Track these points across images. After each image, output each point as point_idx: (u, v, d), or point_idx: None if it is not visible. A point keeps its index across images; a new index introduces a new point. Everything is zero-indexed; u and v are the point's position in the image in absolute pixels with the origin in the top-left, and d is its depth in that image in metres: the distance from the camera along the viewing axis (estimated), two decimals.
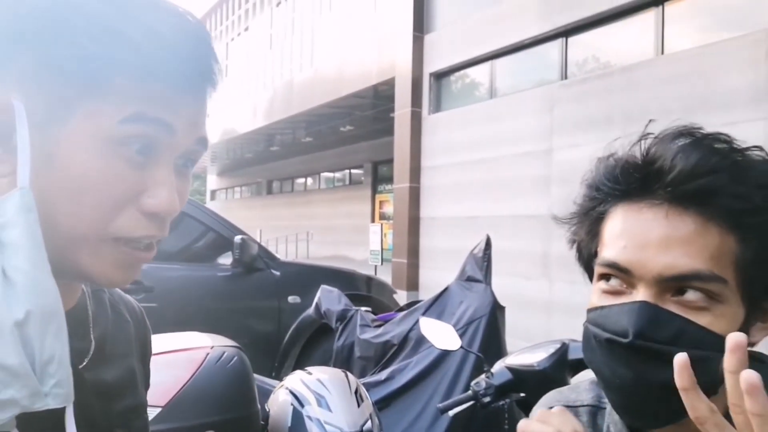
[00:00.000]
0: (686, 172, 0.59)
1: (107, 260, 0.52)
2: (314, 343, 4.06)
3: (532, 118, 7.07)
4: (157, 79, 0.51)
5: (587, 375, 1.65)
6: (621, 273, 0.62)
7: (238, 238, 3.80)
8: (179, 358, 1.19)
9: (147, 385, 0.76)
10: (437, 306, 2.49)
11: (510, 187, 7.26)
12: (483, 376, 1.72)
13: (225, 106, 24.41)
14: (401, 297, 5.11)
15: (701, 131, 0.64)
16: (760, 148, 0.63)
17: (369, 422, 1.39)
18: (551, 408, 0.76)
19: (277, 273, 4.05)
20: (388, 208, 17.29)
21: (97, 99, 0.49)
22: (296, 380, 1.45)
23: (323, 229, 20.06)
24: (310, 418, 1.34)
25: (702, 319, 0.58)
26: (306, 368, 1.51)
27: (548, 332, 6.30)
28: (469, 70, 8.60)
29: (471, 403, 1.68)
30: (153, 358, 1.16)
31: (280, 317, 3.99)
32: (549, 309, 6.53)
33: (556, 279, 6.56)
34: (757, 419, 0.45)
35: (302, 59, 17.44)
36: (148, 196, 0.52)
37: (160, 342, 1.30)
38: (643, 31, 6.15)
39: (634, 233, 0.61)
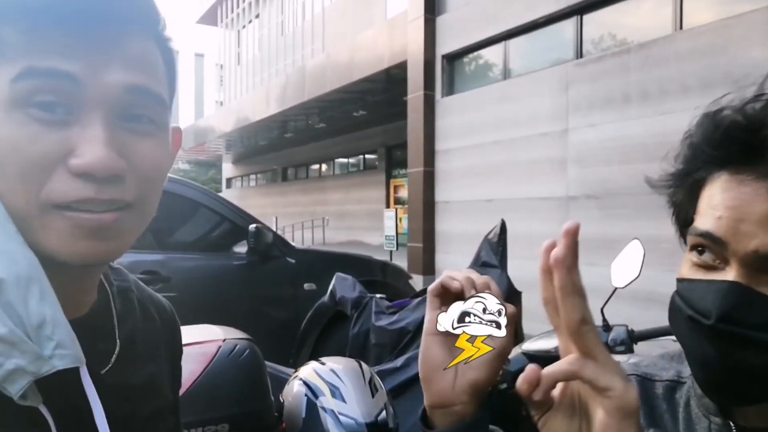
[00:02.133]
0: None
1: (58, 231, 0.50)
2: (331, 330, 4.06)
3: (547, 99, 6.96)
4: (47, 25, 0.47)
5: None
6: (714, 246, 0.58)
7: (252, 227, 3.81)
8: (192, 352, 1.18)
9: (178, 385, 0.74)
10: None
11: (526, 169, 7.18)
12: None
13: (238, 94, 24.44)
14: (417, 282, 5.09)
15: None
16: None
17: (384, 412, 1.38)
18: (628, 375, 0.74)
19: (293, 260, 4.06)
20: (403, 193, 17.25)
21: None
22: (310, 371, 1.45)
23: (338, 214, 20.10)
24: (324, 409, 1.34)
25: None
26: (320, 358, 1.51)
27: None
28: (482, 52, 8.48)
29: (489, 389, 1.66)
30: None
31: (296, 305, 4.00)
32: None
33: None
34: (558, 292, 0.48)
35: (314, 45, 17.37)
36: (75, 155, 0.49)
37: None
38: (661, 5, 5.99)
39: (733, 205, 0.57)
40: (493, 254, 2.43)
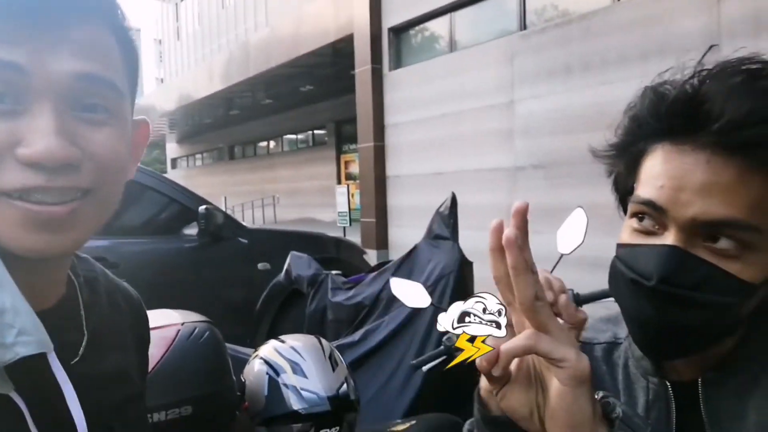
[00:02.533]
0: (736, 121, 0.56)
1: (10, 221, 0.49)
2: (287, 309, 4.07)
3: (493, 71, 7.05)
4: None
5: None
6: (655, 212, 0.61)
7: (202, 208, 3.74)
8: (152, 336, 1.18)
9: (144, 373, 0.75)
10: (406, 265, 2.52)
11: (474, 141, 7.29)
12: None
13: (179, 70, 23.58)
14: (371, 257, 5.14)
15: (761, 64, 0.59)
16: None
17: (345, 385, 1.41)
18: None
19: (245, 240, 4.02)
20: (354, 168, 17.20)
21: None
22: (270, 349, 1.46)
23: (289, 192, 19.89)
24: (286, 385, 1.36)
25: (731, 267, 0.57)
26: (279, 336, 1.52)
27: None
28: (428, 24, 8.47)
29: (444, 357, 1.72)
30: None
31: (251, 285, 3.97)
32: None
33: None
34: (511, 271, 0.51)
35: (256, 18, 16.89)
36: (22, 145, 0.48)
37: None
38: None
39: (674, 174, 0.59)
40: (445, 227, 2.49)
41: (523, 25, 6.92)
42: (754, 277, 0.58)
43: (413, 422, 1.74)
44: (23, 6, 0.48)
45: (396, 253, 8.48)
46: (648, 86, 0.65)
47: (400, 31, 8.85)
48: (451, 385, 2.24)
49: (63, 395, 0.51)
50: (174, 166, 31.30)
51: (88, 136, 0.52)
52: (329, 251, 4.51)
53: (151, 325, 1.26)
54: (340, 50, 11.59)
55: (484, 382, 0.60)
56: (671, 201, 0.59)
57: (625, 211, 0.70)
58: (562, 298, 0.63)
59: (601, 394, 0.57)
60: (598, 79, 5.82)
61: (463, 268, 2.38)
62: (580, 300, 1.90)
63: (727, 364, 0.65)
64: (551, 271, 1.88)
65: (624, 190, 0.70)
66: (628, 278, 0.62)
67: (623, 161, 0.68)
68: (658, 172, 0.61)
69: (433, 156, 7.93)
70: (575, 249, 1.49)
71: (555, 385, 0.52)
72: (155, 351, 1.16)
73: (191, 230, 3.99)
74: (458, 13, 7.91)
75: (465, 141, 7.42)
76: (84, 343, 0.59)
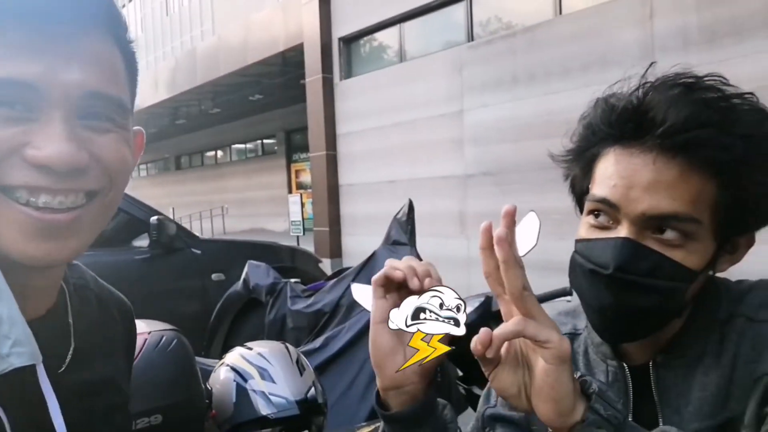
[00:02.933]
0: (676, 126, 0.64)
1: (11, 226, 0.50)
2: (242, 319, 4.02)
3: (442, 81, 7.20)
4: (5, 26, 0.49)
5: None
6: (609, 209, 0.69)
7: (154, 219, 3.67)
8: None
9: (129, 380, 0.75)
10: (366, 271, 2.55)
11: (425, 149, 7.41)
12: None
13: None
14: (325, 266, 5.15)
15: (695, 78, 0.68)
16: (752, 94, 0.68)
17: (313, 389, 1.43)
18: None
19: (198, 251, 3.96)
20: (305, 177, 17.10)
21: None
22: (236, 356, 1.46)
23: (238, 202, 19.57)
24: (254, 391, 1.37)
25: (676, 255, 0.66)
26: (245, 344, 1.53)
27: (469, 287, 6.57)
28: (378, 34, 8.58)
29: None
30: None
31: (205, 296, 3.91)
32: (468, 265, 6.82)
33: (472, 236, 6.84)
34: (502, 266, 0.57)
35: (203, 26, 16.62)
36: (32, 147, 0.50)
37: None
38: None
39: (625, 174, 0.67)
40: (403, 232, 2.55)
41: (471, 37, 7.11)
42: (696, 264, 0.67)
43: (378, 425, 1.77)
44: (36, 19, 0.49)
45: (350, 261, 8.49)
46: (599, 97, 0.74)
47: (350, 41, 8.91)
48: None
49: (47, 407, 0.52)
50: None
51: (94, 140, 0.54)
52: (284, 260, 4.49)
53: None
54: (290, 59, 11.56)
55: (380, 383, 0.66)
56: (623, 198, 0.67)
57: (581, 211, 0.77)
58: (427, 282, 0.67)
59: (578, 373, 0.62)
60: (542, 89, 6.04)
61: None
62: (538, 300, 1.98)
63: (674, 347, 0.73)
64: None
65: (580, 191, 0.77)
66: (587, 269, 0.69)
67: (579, 165, 0.76)
68: (610, 172, 0.69)
69: (385, 164, 8.01)
70: (529, 251, 1.59)
71: (540, 364, 0.58)
72: None
73: (141, 242, 3.90)
74: (407, 24, 8.05)
75: (417, 149, 7.53)
76: (71, 352, 0.59)
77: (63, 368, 0.58)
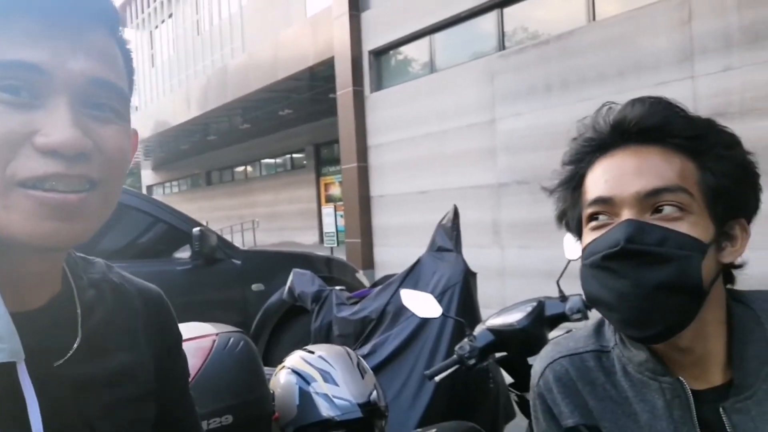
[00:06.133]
0: (644, 112, 0.72)
1: (23, 210, 0.50)
2: (282, 328, 4.06)
3: (473, 90, 7.19)
4: (15, 13, 0.50)
5: (563, 330, 1.74)
6: (605, 205, 0.71)
7: (196, 230, 3.73)
8: (189, 347, 1.17)
9: (171, 372, 0.74)
10: (411, 278, 2.54)
11: (457, 159, 7.40)
12: (466, 339, 1.77)
13: (154, 97, 23.45)
14: (365, 276, 5.14)
15: (652, 97, 0.75)
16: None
17: (374, 392, 1.43)
18: (556, 360, 0.82)
19: (238, 262, 4.01)
20: (334, 191, 17.21)
21: None
22: (298, 359, 1.47)
23: (268, 216, 19.79)
24: (317, 394, 1.37)
25: (680, 227, 0.67)
26: (305, 347, 1.53)
27: (503, 297, 6.52)
28: (408, 46, 8.63)
29: (456, 366, 1.74)
30: None
31: (245, 306, 3.95)
32: (502, 275, 6.75)
33: (506, 246, 6.78)
34: None
35: (233, 44, 16.95)
36: (41, 134, 0.50)
37: None
38: None
39: (612, 170, 0.72)
40: (448, 239, 2.53)
41: (502, 46, 7.11)
42: (701, 236, 0.68)
43: (433, 430, 1.75)
44: (44, 7, 0.51)
45: (382, 272, 8.48)
46: (573, 137, 0.80)
47: (380, 54, 8.98)
48: (460, 393, 2.26)
49: (25, 405, 0.50)
50: (150, 193, 30.92)
51: (97, 130, 0.54)
52: (321, 270, 4.51)
53: (186, 336, 1.27)
54: (318, 74, 11.70)
55: None
56: (616, 187, 0.70)
57: (580, 239, 0.78)
58: None
59: None
60: (576, 96, 5.98)
61: (468, 279, 2.42)
62: (589, 304, 1.94)
63: (737, 382, 0.71)
64: (559, 278, 1.92)
65: (577, 221, 0.79)
66: (599, 258, 0.70)
67: (568, 192, 0.79)
68: (599, 175, 0.74)
69: (416, 175, 8.01)
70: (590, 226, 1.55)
71: None
72: (194, 361, 1.17)
73: (182, 253, 3.97)
74: (437, 36, 8.08)
75: (448, 159, 7.52)
76: (76, 344, 0.58)
77: (62, 361, 0.56)
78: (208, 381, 1.15)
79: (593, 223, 0.73)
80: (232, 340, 1.24)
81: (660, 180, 0.68)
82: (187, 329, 1.33)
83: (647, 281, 0.66)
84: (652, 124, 0.71)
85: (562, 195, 0.80)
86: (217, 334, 1.24)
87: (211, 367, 1.16)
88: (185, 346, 1.23)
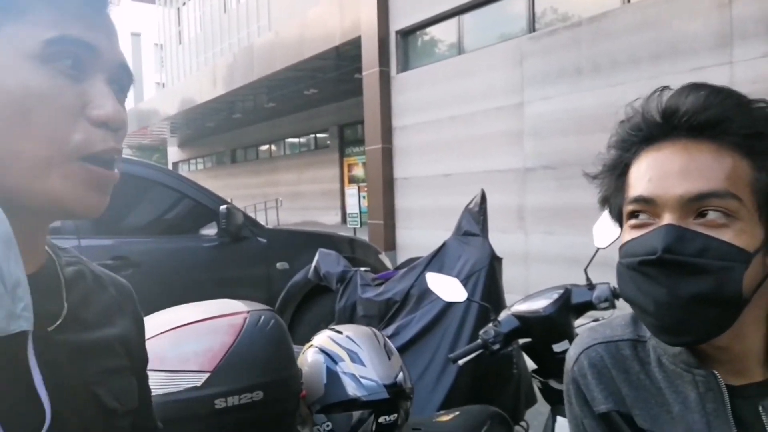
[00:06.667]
0: (699, 105, 0.66)
1: (78, 182, 0.54)
2: (305, 307, 4.11)
3: (502, 73, 7.09)
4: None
5: (589, 318, 1.72)
6: (647, 205, 0.68)
7: (223, 208, 3.77)
8: (221, 324, 1.20)
9: (144, 356, 0.76)
10: (436, 261, 2.54)
11: (483, 142, 7.33)
12: (490, 324, 1.77)
13: (180, 75, 23.62)
14: (387, 257, 5.16)
15: (708, 85, 0.70)
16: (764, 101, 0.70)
17: (401, 374, 1.44)
18: (591, 347, 0.81)
19: (264, 240, 4.05)
20: (357, 171, 17.22)
21: (16, 22, 0.52)
22: (325, 339, 1.49)
23: (291, 195, 19.92)
24: (345, 373, 1.39)
25: (724, 235, 0.63)
26: (332, 327, 1.55)
27: (526, 282, 6.49)
28: (436, 27, 8.52)
29: (480, 351, 1.74)
30: (195, 326, 1.17)
31: (270, 284, 4.00)
32: (526, 260, 6.71)
33: (531, 231, 6.73)
34: None
35: (259, 22, 16.95)
36: (94, 107, 0.55)
37: (194, 310, 1.31)
38: None
39: (657, 167, 0.68)
40: (475, 223, 2.52)
41: (532, 28, 6.97)
42: (747, 244, 0.64)
43: (457, 413, 1.76)
44: None
45: (404, 254, 8.49)
46: (621, 120, 0.76)
47: (407, 34, 8.89)
48: (483, 377, 2.27)
49: (30, 370, 0.52)
50: (175, 169, 31.31)
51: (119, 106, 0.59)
52: (344, 250, 4.54)
53: (218, 313, 1.30)
54: (344, 53, 11.64)
55: None
56: (659, 188, 0.67)
57: (621, 226, 0.76)
58: None
59: None
60: (608, 80, 5.86)
61: (494, 264, 2.41)
62: (617, 293, 1.92)
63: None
64: (587, 266, 1.90)
65: (618, 209, 0.76)
66: (634, 264, 0.67)
67: (612, 181, 0.76)
68: (643, 171, 0.70)
69: (441, 158, 7.96)
70: (612, 243, 1.54)
71: None
72: (226, 338, 1.19)
73: (209, 230, 4.02)
74: (466, 16, 7.96)
75: (474, 142, 7.46)
76: (64, 314, 0.60)
77: (54, 326, 0.59)
78: (239, 357, 1.17)
79: (633, 221, 0.70)
80: (263, 318, 1.25)
81: (707, 183, 0.64)
82: (219, 306, 1.35)
83: (684, 292, 0.64)
84: (705, 120, 0.66)
85: (606, 181, 0.77)
86: (248, 312, 1.26)
87: (242, 344, 1.18)
88: (217, 322, 1.26)
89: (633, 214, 0.70)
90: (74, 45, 0.54)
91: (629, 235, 0.70)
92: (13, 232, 0.49)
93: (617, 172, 0.75)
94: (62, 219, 0.59)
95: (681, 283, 0.64)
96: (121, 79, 0.60)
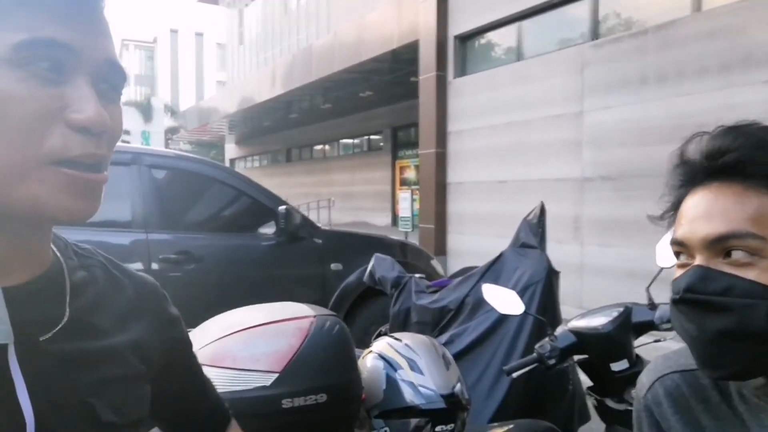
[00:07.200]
0: (716, 149, 0.70)
1: (56, 186, 0.51)
2: (358, 308, 4.16)
3: (561, 80, 6.97)
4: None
5: (651, 337, 1.69)
6: (682, 247, 0.72)
7: (282, 208, 3.88)
8: (289, 327, 1.26)
9: (172, 357, 0.73)
10: (492, 272, 2.54)
11: (540, 150, 7.22)
12: (547, 339, 1.76)
13: (241, 74, 24.29)
14: (440, 263, 5.16)
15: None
16: None
17: (458, 384, 1.46)
18: (667, 375, 0.81)
19: (319, 241, 4.13)
20: (408, 174, 17.26)
21: None
22: (385, 346, 1.52)
23: (343, 195, 20.16)
24: (403, 381, 1.42)
25: (749, 274, 0.66)
26: (391, 334, 1.58)
27: (580, 295, 6.36)
28: (495, 32, 8.46)
29: (535, 364, 1.74)
30: (265, 328, 1.23)
31: (324, 285, 4.08)
32: (581, 271, 6.57)
33: (587, 242, 6.58)
34: None
35: (319, 24, 17.24)
36: (72, 110, 0.52)
37: (264, 312, 1.38)
38: None
39: (689, 211, 0.72)
40: (533, 235, 2.50)
41: (596, 35, 6.83)
42: None
43: (511, 426, 1.77)
44: None
45: (454, 260, 8.47)
46: (672, 163, 0.79)
47: (466, 39, 8.86)
48: (536, 391, 2.26)
49: (14, 384, 0.52)
50: (231, 166, 32.21)
51: (108, 109, 0.56)
52: (396, 255, 4.57)
53: (287, 316, 1.35)
54: (401, 56, 11.71)
55: None
56: (688, 231, 0.71)
57: None
58: None
59: None
60: (674, 91, 5.67)
61: (551, 278, 2.39)
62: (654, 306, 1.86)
63: None
64: (649, 285, 1.87)
65: None
66: (672, 300, 0.72)
67: (673, 215, 0.79)
68: (681, 215, 0.74)
69: (496, 164, 7.90)
70: (674, 265, 1.50)
71: None
72: (293, 341, 1.24)
73: (267, 229, 4.14)
74: (526, 22, 7.87)
75: (530, 150, 7.36)
76: (64, 320, 0.59)
77: (48, 335, 0.57)
78: (306, 360, 1.22)
79: (678, 261, 0.75)
80: (328, 323, 1.30)
81: (727, 225, 0.67)
82: (286, 309, 1.41)
83: (710, 328, 0.67)
84: (727, 162, 0.69)
85: (669, 220, 0.81)
86: (315, 316, 1.31)
87: (309, 347, 1.23)
88: (285, 325, 1.31)
89: (677, 255, 0.74)
90: (49, 47, 0.51)
91: (675, 272, 0.74)
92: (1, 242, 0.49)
93: (670, 212, 0.79)
94: (48, 225, 0.58)
95: (706, 320, 0.67)
96: (112, 78, 0.57)
